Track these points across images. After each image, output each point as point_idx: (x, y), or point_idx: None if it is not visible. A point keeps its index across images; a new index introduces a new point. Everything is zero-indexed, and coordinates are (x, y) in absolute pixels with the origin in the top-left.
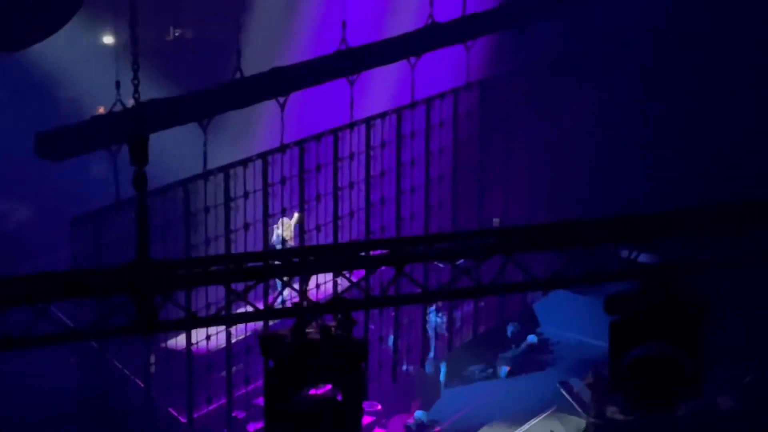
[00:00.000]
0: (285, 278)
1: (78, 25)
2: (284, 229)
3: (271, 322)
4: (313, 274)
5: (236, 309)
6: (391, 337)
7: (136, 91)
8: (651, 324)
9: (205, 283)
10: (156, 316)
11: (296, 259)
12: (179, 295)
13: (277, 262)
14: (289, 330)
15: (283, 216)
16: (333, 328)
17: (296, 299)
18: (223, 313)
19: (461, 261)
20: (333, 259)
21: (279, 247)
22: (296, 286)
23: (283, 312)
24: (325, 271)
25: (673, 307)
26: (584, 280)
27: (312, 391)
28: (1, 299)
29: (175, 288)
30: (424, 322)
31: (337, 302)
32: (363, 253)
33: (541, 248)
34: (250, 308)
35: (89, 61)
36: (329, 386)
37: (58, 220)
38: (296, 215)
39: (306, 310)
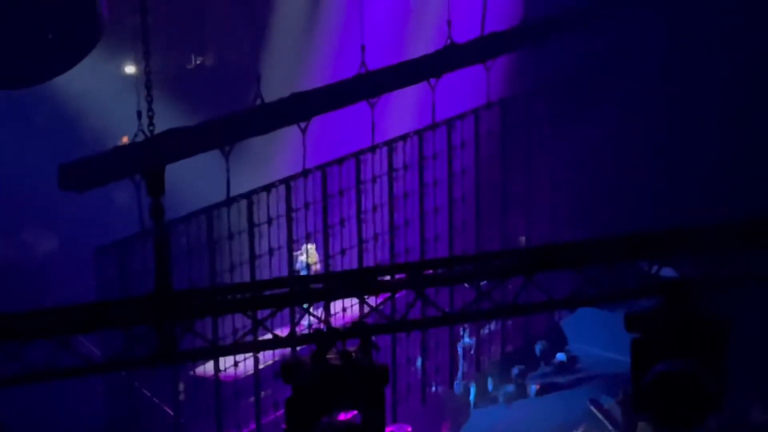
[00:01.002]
0: (305, 305)
1: (100, 55)
2: (308, 256)
3: (298, 349)
4: (333, 300)
5: (262, 336)
6: (419, 359)
7: (150, 123)
8: (672, 341)
9: (226, 312)
10: (176, 346)
11: (318, 285)
12: (203, 324)
13: (297, 289)
14: (309, 356)
15: (307, 242)
16: (354, 354)
17: (320, 325)
18: (247, 339)
19: (484, 282)
20: (353, 284)
21: (304, 272)
22: (320, 311)
23: (303, 339)
24: (345, 296)
25: (695, 324)
26: (605, 298)
27: (338, 417)
28: (21, 332)
29: (195, 317)
30: (452, 342)
31: (357, 327)
32: (387, 277)
33: (561, 268)
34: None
35: (112, 91)
36: (354, 412)
37: (84, 250)
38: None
39: (326, 335)
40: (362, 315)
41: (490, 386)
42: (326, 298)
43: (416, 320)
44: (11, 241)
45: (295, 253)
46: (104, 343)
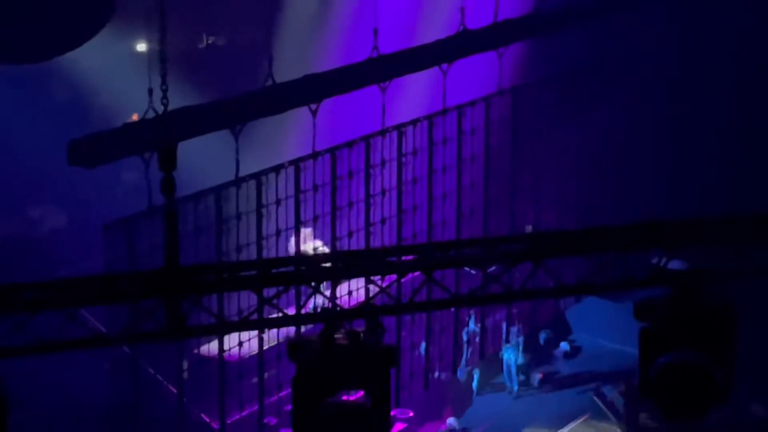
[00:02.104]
0: (314, 284)
1: (111, 32)
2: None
3: (303, 329)
4: (342, 280)
5: (269, 315)
6: (423, 345)
7: (164, 96)
8: (680, 331)
9: (233, 289)
10: (184, 322)
11: (326, 265)
12: (210, 301)
13: (305, 268)
14: (317, 336)
15: (314, 222)
16: (361, 334)
17: (327, 305)
18: (253, 317)
19: (492, 268)
20: (362, 264)
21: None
22: (327, 292)
23: (311, 317)
24: (354, 276)
25: (703, 315)
26: (613, 286)
27: (344, 397)
28: (30, 303)
29: (203, 293)
30: (457, 328)
31: (365, 308)
32: (393, 259)
33: (570, 254)
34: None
35: (122, 68)
36: (361, 393)
37: (91, 227)
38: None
39: (334, 315)
40: (372, 295)
41: (493, 374)
42: (334, 277)
43: (424, 302)
44: (19, 217)
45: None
46: (111, 322)
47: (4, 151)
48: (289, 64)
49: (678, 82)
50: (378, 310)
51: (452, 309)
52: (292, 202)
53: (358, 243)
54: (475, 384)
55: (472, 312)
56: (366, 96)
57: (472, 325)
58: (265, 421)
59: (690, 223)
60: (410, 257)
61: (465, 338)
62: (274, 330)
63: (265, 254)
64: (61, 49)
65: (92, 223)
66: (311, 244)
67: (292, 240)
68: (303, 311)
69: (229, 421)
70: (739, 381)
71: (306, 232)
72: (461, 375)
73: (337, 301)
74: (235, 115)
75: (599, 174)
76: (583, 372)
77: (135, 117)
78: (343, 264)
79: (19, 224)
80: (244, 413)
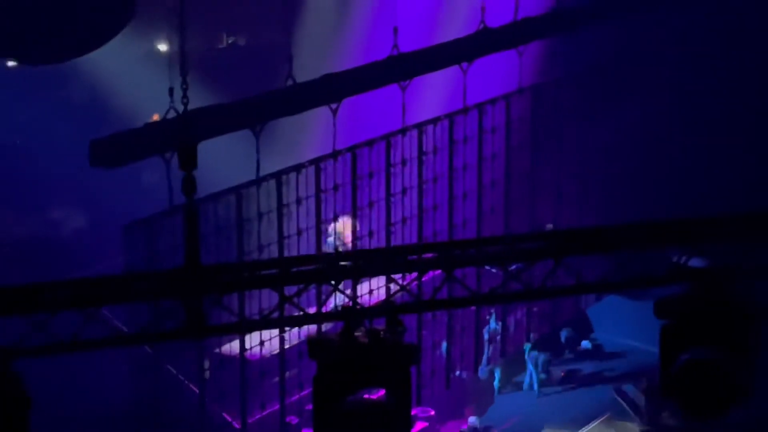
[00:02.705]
0: (334, 282)
1: (131, 33)
2: (336, 237)
3: (324, 327)
4: (362, 278)
5: (289, 314)
6: (444, 344)
7: (185, 96)
8: (702, 328)
9: (253, 287)
10: (205, 320)
11: (346, 263)
12: (230, 300)
13: (325, 267)
14: (337, 334)
15: (335, 222)
16: (382, 332)
17: (348, 304)
18: (274, 316)
19: (513, 266)
20: (383, 262)
21: None
22: (348, 290)
23: (332, 316)
24: (374, 274)
25: (725, 312)
26: (634, 284)
27: (365, 396)
28: (51, 303)
29: (223, 292)
30: (478, 327)
31: (386, 306)
32: (413, 257)
33: (590, 252)
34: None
35: (143, 69)
36: (382, 391)
37: (112, 228)
38: (345, 222)
39: (354, 313)
40: (390, 294)
41: (514, 372)
42: (355, 275)
43: (444, 300)
44: (41, 218)
45: (325, 237)
46: (132, 321)
47: (26, 153)
48: (310, 64)
49: (699, 80)
50: (398, 308)
51: (473, 308)
52: (312, 201)
53: (378, 242)
54: (496, 383)
55: (492, 310)
56: (386, 95)
57: (493, 323)
58: (287, 420)
59: (711, 220)
60: (431, 255)
61: (486, 337)
62: (296, 329)
63: (285, 254)
64: (82, 49)
65: (113, 223)
66: (348, 226)
67: (328, 238)
68: (324, 310)
69: (250, 421)
70: (760, 378)
71: (344, 219)
72: (482, 373)
73: (358, 300)
74: (255, 115)
75: (619, 172)
76: (605, 370)
77: (155, 117)
78: (364, 262)
79: (41, 225)
80: (265, 412)
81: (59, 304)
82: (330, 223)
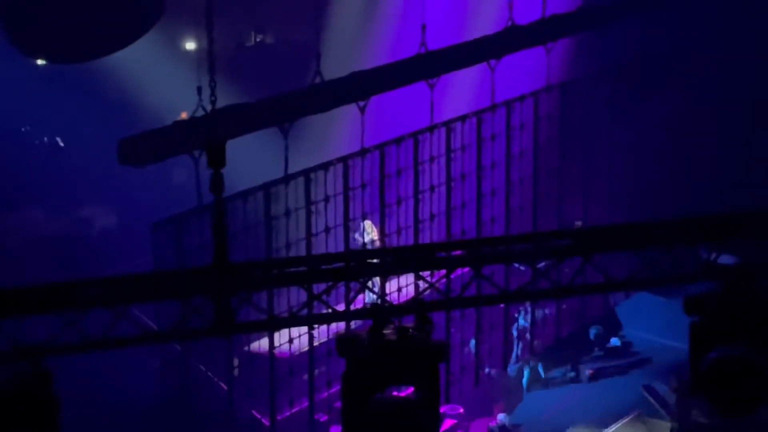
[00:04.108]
0: (362, 279)
1: (159, 31)
2: (366, 235)
3: (353, 325)
4: (391, 275)
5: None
6: (473, 341)
7: (213, 94)
8: (732, 325)
9: (282, 285)
10: (233, 318)
11: (375, 261)
12: (260, 297)
13: (354, 264)
14: (366, 331)
15: (363, 220)
16: (411, 330)
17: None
18: (302, 314)
19: (542, 264)
20: (411, 259)
21: None
22: (376, 288)
23: (360, 313)
24: (403, 272)
25: (754, 309)
26: (663, 281)
27: (394, 393)
28: (82, 301)
29: (252, 289)
30: (506, 324)
31: (414, 303)
32: (442, 254)
33: (619, 249)
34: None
35: (171, 67)
36: (411, 389)
37: (141, 226)
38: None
39: (383, 310)
40: (419, 291)
41: (541, 371)
42: (383, 273)
43: (473, 297)
44: (70, 217)
45: (354, 235)
46: (161, 319)
47: (56, 151)
48: (337, 62)
49: (730, 76)
50: (427, 305)
51: (501, 306)
52: (340, 199)
53: (407, 239)
54: (525, 380)
55: (521, 308)
56: (414, 92)
57: (522, 320)
58: (316, 417)
59: (740, 216)
60: (459, 253)
61: (515, 334)
62: (324, 327)
63: (313, 252)
64: (110, 48)
65: (142, 222)
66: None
67: (356, 235)
68: (352, 308)
69: (279, 418)
70: None
71: (368, 223)
72: (511, 371)
73: (386, 298)
74: (283, 113)
75: (648, 169)
76: (634, 368)
77: (184, 115)
78: (393, 259)
79: (72, 224)
80: (294, 410)
81: (90, 302)
82: (359, 222)
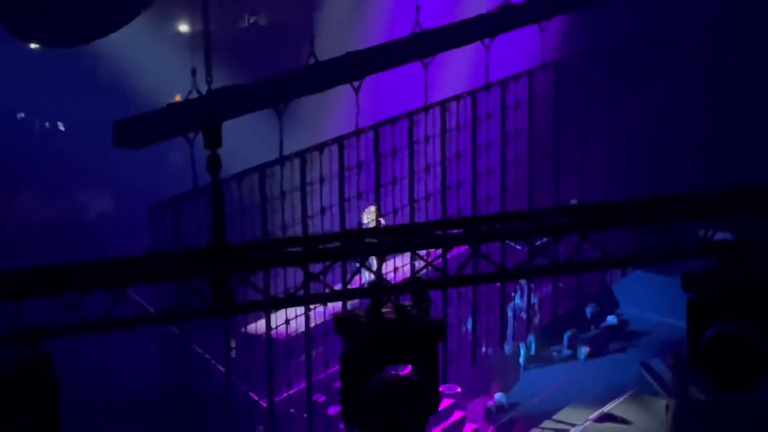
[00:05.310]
0: (360, 259)
1: (152, 13)
2: (366, 216)
3: (349, 305)
4: (389, 254)
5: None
6: (470, 320)
7: (208, 74)
8: (730, 302)
9: (279, 265)
10: (232, 299)
11: (372, 240)
12: (257, 278)
13: (351, 243)
14: (364, 310)
15: (359, 199)
16: (409, 308)
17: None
18: (300, 293)
19: (539, 241)
20: (409, 238)
21: None
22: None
23: (358, 292)
24: (400, 251)
25: (752, 285)
26: (660, 258)
27: (392, 371)
28: (80, 283)
29: (250, 270)
30: (503, 303)
31: (412, 282)
32: (439, 233)
33: (616, 226)
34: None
35: (165, 49)
36: (410, 368)
37: (137, 210)
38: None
39: (381, 289)
40: (419, 269)
41: (533, 349)
42: (380, 252)
43: (471, 275)
44: (67, 201)
45: (361, 217)
46: (159, 302)
47: (51, 135)
48: (331, 42)
49: (728, 56)
50: (425, 283)
51: (498, 285)
52: (336, 179)
53: (402, 219)
54: (522, 359)
55: (518, 287)
56: (408, 72)
57: (518, 300)
58: (314, 398)
59: (738, 193)
60: (457, 231)
61: (510, 314)
62: (321, 308)
63: (309, 233)
64: (103, 31)
65: (138, 205)
66: (373, 215)
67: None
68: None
69: (277, 399)
70: None
71: (370, 208)
72: (508, 350)
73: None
74: (278, 94)
75: (645, 148)
76: (630, 345)
77: (178, 98)
78: (390, 238)
79: (68, 208)
80: (292, 391)
81: (88, 284)
82: (353, 202)
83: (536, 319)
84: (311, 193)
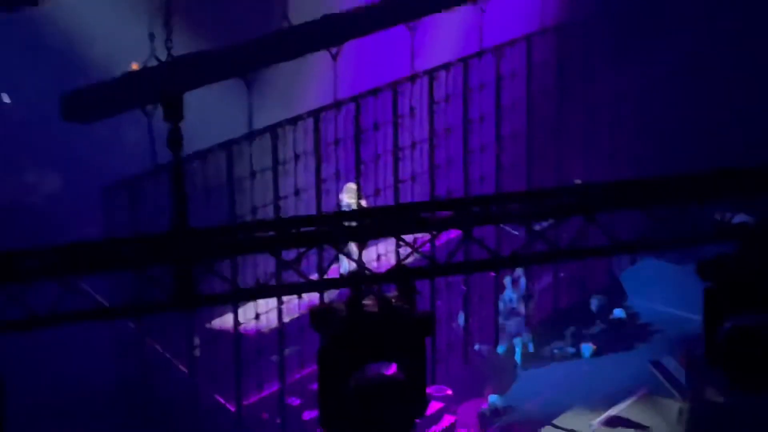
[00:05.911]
0: (339, 245)
1: None
2: (349, 194)
3: (327, 297)
4: (370, 240)
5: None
6: (462, 315)
7: (168, 39)
8: (750, 291)
9: (248, 251)
10: (195, 289)
11: (352, 223)
12: (223, 267)
13: (328, 227)
14: (343, 303)
15: (337, 180)
16: (393, 300)
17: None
18: (272, 284)
19: (538, 225)
20: (393, 221)
21: None
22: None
23: (337, 282)
24: (384, 235)
25: None
26: (674, 243)
27: (375, 371)
28: (26, 273)
29: (216, 257)
30: (497, 296)
31: (397, 270)
32: (426, 215)
33: (624, 207)
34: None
35: (120, 12)
36: (394, 366)
37: (90, 191)
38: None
39: (362, 279)
40: (405, 256)
41: (531, 347)
42: (362, 237)
43: (463, 263)
44: (11, 182)
45: (340, 196)
46: (114, 293)
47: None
48: (306, 4)
49: (742, 24)
50: (412, 272)
51: (492, 274)
52: (311, 157)
53: (386, 201)
54: (519, 357)
55: (508, 276)
56: (393, 38)
57: (509, 292)
58: (287, 401)
59: (759, 171)
60: (446, 213)
61: (501, 307)
62: (295, 301)
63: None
64: None
65: (91, 186)
66: (353, 195)
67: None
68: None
69: (246, 403)
70: None
71: (350, 186)
72: (503, 348)
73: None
74: (246, 62)
75: (655, 120)
76: (640, 341)
77: (135, 66)
78: (372, 222)
79: (14, 190)
80: (263, 394)
81: (35, 273)
82: (331, 182)
83: (525, 310)
84: (284, 173)
